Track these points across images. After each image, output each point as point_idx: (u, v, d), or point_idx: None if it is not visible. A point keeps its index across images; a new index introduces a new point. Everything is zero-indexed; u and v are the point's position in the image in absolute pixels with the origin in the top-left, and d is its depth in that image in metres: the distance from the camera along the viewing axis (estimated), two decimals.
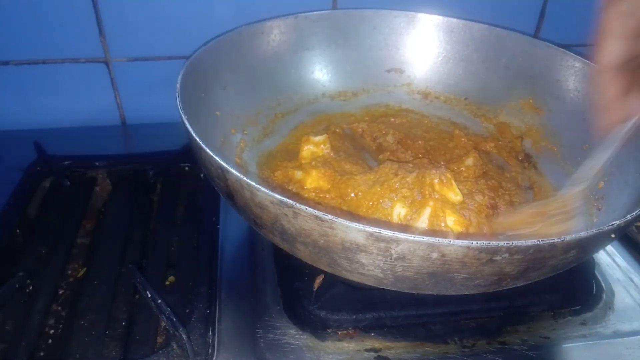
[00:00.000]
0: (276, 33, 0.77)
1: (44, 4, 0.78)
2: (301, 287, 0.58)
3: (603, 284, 0.64)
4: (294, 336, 0.55)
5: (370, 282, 0.48)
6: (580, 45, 0.89)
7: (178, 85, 0.57)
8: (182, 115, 0.52)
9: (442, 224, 0.57)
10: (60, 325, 0.57)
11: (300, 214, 0.42)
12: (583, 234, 0.42)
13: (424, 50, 0.83)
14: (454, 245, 0.40)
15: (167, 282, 0.62)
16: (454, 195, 0.59)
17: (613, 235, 0.46)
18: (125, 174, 0.77)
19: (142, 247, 0.66)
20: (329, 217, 0.41)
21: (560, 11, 0.92)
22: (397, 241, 0.40)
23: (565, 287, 0.60)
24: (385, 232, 0.40)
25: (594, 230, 0.43)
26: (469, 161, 0.69)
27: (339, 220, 0.40)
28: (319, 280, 0.58)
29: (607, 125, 0.48)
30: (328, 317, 0.56)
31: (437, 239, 0.39)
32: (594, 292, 0.63)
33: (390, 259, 0.42)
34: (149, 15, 0.82)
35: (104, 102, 0.90)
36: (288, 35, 0.78)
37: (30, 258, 0.63)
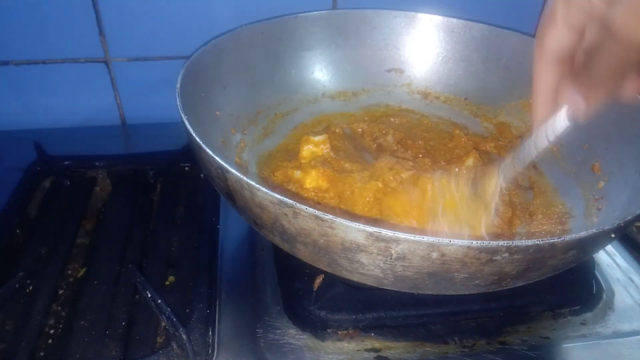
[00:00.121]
0: (276, 33, 0.77)
1: (44, 4, 0.78)
2: (301, 287, 0.58)
3: (603, 284, 0.64)
4: (294, 336, 0.55)
5: (370, 282, 0.48)
6: None
7: (178, 85, 0.57)
8: (182, 115, 0.52)
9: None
10: (60, 325, 0.57)
11: (300, 214, 0.42)
12: (583, 234, 0.42)
13: (424, 50, 0.83)
14: (454, 245, 0.40)
15: (167, 282, 0.62)
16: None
17: (613, 235, 0.46)
18: (125, 174, 0.77)
19: (142, 247, 0.66)
20: (329, 216, 0.41)
21: None
22: (397, 241, 0.40)
23: (565, 287, 0.60)
24: (385, 232, 0.40)
25: (594, 230, 0.43)
26: (469, 162, 0.69)
27: (339, 220, 0.40)
28: (319, 280, 0.58)
29: (539, 116, 0.47)
30: (328, 317, 0.56)
31: (437, 238, 0.39)
32: (594, 292, 0.63)
33: (390, 258, 0.42)
34: (149, 15, 0.82)
35: (104, 102, 0.90)
36: (288, 35, 0.78)
37: (30, 258, 0.63)
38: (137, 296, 0.59)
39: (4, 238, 0.64)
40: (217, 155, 0.47)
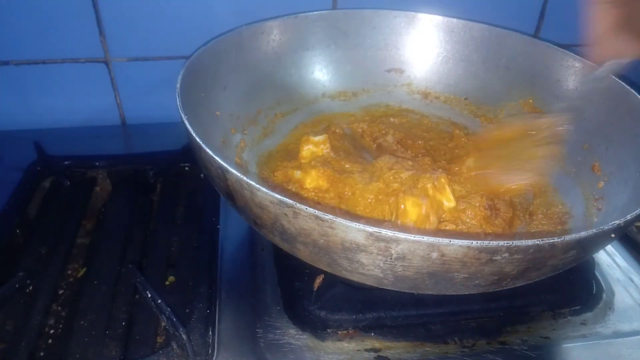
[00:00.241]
0: (276, 33, 0.77)
1: (44, 4, 0.78)
2: (301, 287, 0.58)
3: (603, 284, 0.64)
4: (294, 336, 0.55)
5: (370, 282, 0.48)
6: (580, 45, 0.89)
7: (178, 85, 0.57)
8: (182, 115, 0.52)
9: (402, 206, 0.57)
10: (60, 325, 0.57)
11: (300, 214, 0.42)
12: (583, 234, 0.42)
13: (424, 50, 0.83)
14: (454, 245, 0.40)
15: (167, 282, 0.62)
16: (447, 201, 0.59)
17: (613, 235, 0.46)
18: (125, 174, 0.77)
19: (142, 247, 0.66)
20: (329, 217, 0.41)
21: (560, 11, 0.92)
22: (397, 241, 0.40)
23: (565, 287, 0.60)
24: (385, 232, 0.40)
25: (594, 230, 0.43)
26: (469, 162, 0.69)
27: (339, 220, 0.40)
28: (319, 280, 0.58)
29: (597, 58, 0.50)
30: (328, 317, 0.56)
31: (437, 238, 0.39)
32: (594, 292, 0.63)
33: (390, 258, 0.42)
34: (149, 15, 0.82)
35: (104, 102, 0.90)
36: (288, 35, 0.78)
37: (30, 258, 0.63)
38: (137, 296, 0.59)
39: (4, 238, 0.64)
40: (217, 155, 0.47)
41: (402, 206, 0.57)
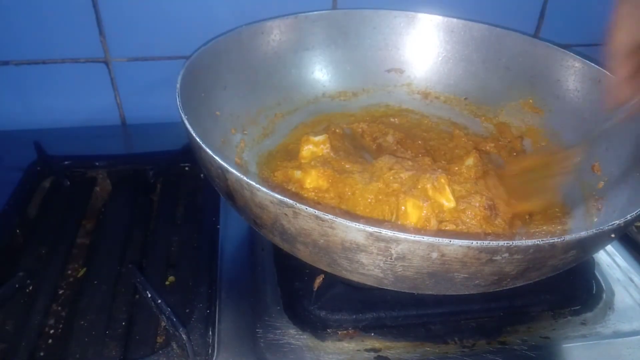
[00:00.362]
0: (276, 33, 0.77)
1: (44, 4, 0.78)
2: (301, 287, 0.58)
3: (603, 284, 0.64)
4: (294, 336, 0.55)
5: (370, 282, 0.48)
6: (580, 45, 0.89)
7: (178, 85, 0.57)
8: (182, 115, 0.52)
9: (403, 207, 0.57)
10: (60, 325, 0.57)
11: (300, 214, 0.42)
12: (583, 234, 0.42)
13: (424, 50, 0.83)
14: (454, 245, 0.40)
15: (167, 282, 0.62)
16: (447, 201, 0.59)
17: (613, 235, 0.46)
18: (125, 174, 0.77)
19: (142, 247, 0.66)
20: (329, 217, 0.41)
21: (560, 11, 0.92)
22: (397, 241, 0.40)
23: (565, 287, 0.60)
24: (385, 232, 0.40)
25: (594, 230, 0.43)
26: (469, 161, 0.69)
27: (339, 220, 0.40)
28: (319, 280, 0.57)
29: (615, 103, 0.54)
30: (328, 317, 0.56)
31: (437, 238, 0.39)
32: (594, 292, 0.63)
33: (390, 258, 0.42)
34: (149, 15, 0.82)
35: (104, 102, 0.90)
36: (288, 35, 0.78)
37: (30, 258, 0.63)
38: (137, 296, 0.59)
39: (4, 238, 0.64)
40: (217, 155, 0.47)
41: (403, 208, 0.57)
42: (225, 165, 0.46)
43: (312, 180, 0.63)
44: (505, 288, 0.47)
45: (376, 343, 0.55)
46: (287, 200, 0.42)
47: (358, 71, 0.84)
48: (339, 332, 0.56)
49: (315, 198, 0.62)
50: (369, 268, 0.44)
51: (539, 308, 0.60)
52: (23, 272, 0.59)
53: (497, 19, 0.82)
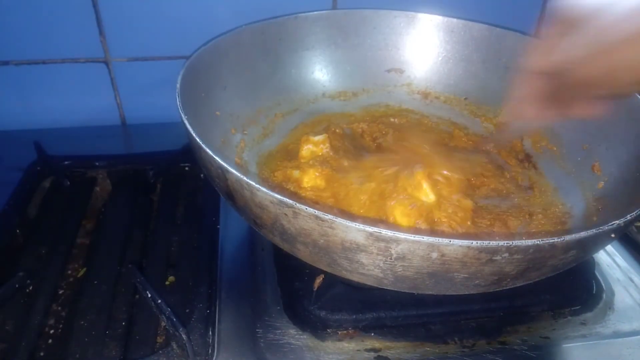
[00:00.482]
0: (276, 33, 0.77)
1: (44, 4, 0.78)
2: (301, 287, 0.58)
3: (603, 284, 0.64)
4: (294, 336, 0.55)
5: (370, 282, 0.48)
6: None
7: (178, 85, 0.57)
8: (182, 115, 0.52)
9: (392, 219, 0.57)
10: (60, 325, 0.57)
11: (300, 214, 0.42)
12: (583, 234, 0.42)
13: (424, 50, 0.83)
14: (454, 245, 0.40)
15: (167, 282, 0.62)
16: (425, 196, 0.59)
17: (613, 235, 0.46)
18: (125, 174, 0.77)
19: (142, 247, 0.66)
20: (329, 217, 0.41)
21: None
22: (397, 241, 0.40)
23: (565, 287, 0.60)
24: (385, 232, 0.40)
25: (594, 230, 0.43)
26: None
27: (339, 220, 0.40)
28: (319, 280, 0.58)
29: (508, 118, 0.58)
30: (328, 317, 0.56)
31: (437, 238, 0.39)
32: (594, 292, 0.63)
33: (390, 258, 0.42)
34: (149, 15, 0.82)
35: (104, 102, 0.90)
36: (288, 35, 0.78)
37: (30, 258, 0.63)
38: (137, 296, 0.59)
39: (4, 238, 0.64)
40: (217, 155, 0.47)
41: (392, 217, 0.58)
42: (225, 165, 0.46)
43: (310, 180, 0.63)
44: (505, 288, 0.47)
45: (376, 343, 0.55)
46: (287, 200, 0.42)
47: (358, 71, 0.84)
48: (339, 332, 0.56)
49: (313, 197, 0.62)
50: (369, 268, 0.44)
51: (539, 308, 0.60)
52: (23, 272, 0.59)
53: (497, 19, 0.82)
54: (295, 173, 0.65)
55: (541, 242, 0.40)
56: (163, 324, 0.55)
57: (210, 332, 0.54)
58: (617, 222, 0.44)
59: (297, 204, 0.41)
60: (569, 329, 0.58)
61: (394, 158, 0.66)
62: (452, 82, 0.84)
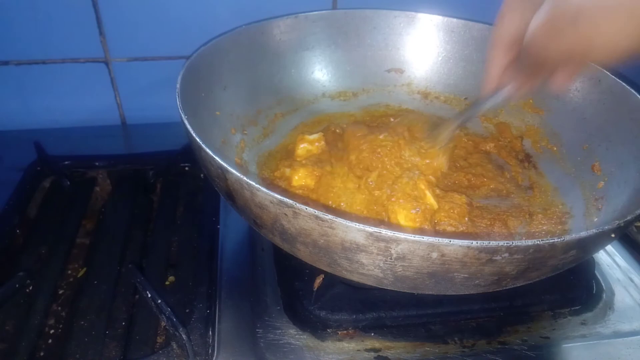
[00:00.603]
0: (276, 33, 0.77)
1: (44, 4, 0.78)
2: (301, 287, 0.58)
3: (603, 284, 0.64)
4: (294, 336, 0.55)
5: (370, 282, 0.48)
6: None
7: (178, 85, 0.57)
8: (182, 115, 0.52)
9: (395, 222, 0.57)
10: (60, 325, 0.57)
11: (300, 214, 0.42)
12: (583, 234, 0.42)
13: (424, 50, 0.83)
14: (454, 245, 0.40)
15: (167, 282, 0.62)
16: (429, 205, 0.59)
17: (613, 235, 0.46)
18: (125, 174, 0.77)
19: (142, 247, 0.66)
20: (329, 217, 0.41)
21: None
22: (397, 241, 0.40)
23: (565, 287, 0.60)
24: (385, 232, 0.40)
25: (594, 230, 0.43)
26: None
27: (339, 220, 0.40)
28: (319, 280, 0.58)
29: (489, 89, 0.57)
30: (328, 317, 0.56)
31: (437, 238, 0.39)
32: (594, 292, 0.63)
33: (390, 258, 0.42)
34: (149, 15, 0.82)
35: (104, 102, 0.90)
36: (288, 35, 0.78)
37: (30, 258, 0.63)
38: (137, 296, 0.59)
39: (4, 238, 0.64)
40: (217, 155, 0.47)
41: (396, 222, 0.57)
42: (225, 165, 0.46)
43: (300, 178, 0.63)
44: (505, 288, 0.47)
45: (376, 343, 0.55)
46: (287, 200, 0.42)
47: (358, 71, 0.84)
48: (339, 332, 0.56)
49: (302, 196, 0.62)
50: (369, 268, 0.44)
51: (539, 308, 0.60)
52: (23, 272, 0.59)
53: None
54: (287, 171, 0.65)
55: (541, 242, 0.40)
56: (163, 324, 0.55)
57: (210, 332, 0.54)
58: (617, 222, 0.44)
59: (297, 204, 0.41)
60: (569, 329, 0.58)
61: (392, 161, 0.66)
62: (452, 82, 0.84)
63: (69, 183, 0.74)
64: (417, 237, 0.40)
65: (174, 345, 0.52)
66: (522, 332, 0.58)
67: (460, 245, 0.40)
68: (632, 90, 0.63)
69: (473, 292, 0.47)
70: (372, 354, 0.54)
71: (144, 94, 0.90)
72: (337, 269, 0.47)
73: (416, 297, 0.56)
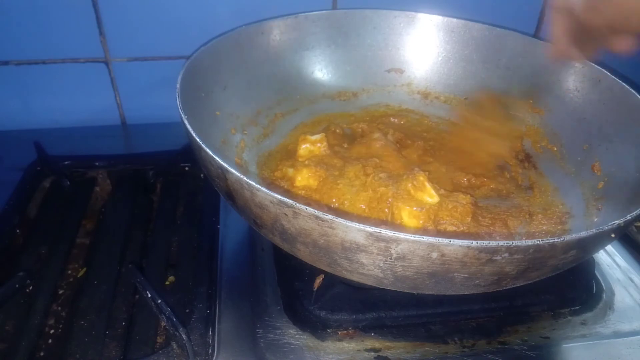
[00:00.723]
0: (276, 33, 0.77)
1: (44, 4, 0.78)
2: (301, 287, 0.58)
3: (603, 284, 0.64)
4: (294, 336, 0.55)
5: (370, 282, 0.48)
6: None
7: (178, 85, 0.57)
8: (182, 115, 0.52)
9: (399, 221, 0.57)
10: (60, 325, 0.57)
11: (300, 214, 0.42)
12: (583, 234, 0.42)
13: (424, 50, 0.83)
14: (454, 245, 0.40)
15: (167, 282, 0.62)
16: (430, 197, 0.59)
17: (613, 235, 0.46)
18: (125, 174, 0.77)
19: (142, 247, 0.66)
20: (329, 217, 0.41)
21: None
22: (397, 241, 0.40)
23: (565, 287, 0.60)
24: (385, 232, 0.40)
25: (594, 230, 0.43)
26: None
27: (339, 220, 0.40)
28: (319, 280, 0.58)
29: (552, 56, 0.61)
30: (328, 317, 0.56)
31: (437, 238, 0.39)
32: (594, 292, 0.63)
33: (390, 258, 0.42)
34: (149, 15, 0.82)
35: (104, 102, 0.90)
36: (288, 35, 0.78)
37: (30, 258, 0.63)
38: (137, 296, 0.59)
39: (4, 238, 0.64)
40: (217, 155, 0.47)
41: (399, 220, 0.58)
42: (225, 165, 0.46)
43: (303, 179, 0.63)
44: (505, 288, 0.47)
45: (376, 343, 0.55)
46: (287, 200, 0.42)
47: (358, 71, 0.84)
48: (339, 332, 0.56)
49: (305, 196, 0.62)
50: (369, 268, 0.44)
51: (539, 308, 0.60)
52: (23, 272, 0.59)
53: (497, 19, 0.82)
54: (290, 171, 0.65)
55: (541, 242, 0.40)
56: (163, 324, 0.55)
57: (210, 332, 0.54)
58: (617, 222, 0.44)
59: (297, 204, 0.41)
60: (569, 329, 0.58)
61: (392, 160, 0.66)
62: (452, 82, 0.84)
63: (69, 183, 0.74)
64: (417, 237, 0.40)
65: (174, 345, 0.52)
66: (522, 332, 0.58)
67: (460, 245, 0.40)
68: (632, 90, 0.63)
69: (473, 292, 0.47)
70: (372, 354, 0.54)
71: (144, 94, 0.90)
72: (337, 269, 0.47)
73: (416, 297, 0.56)
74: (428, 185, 0.60)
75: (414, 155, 0.71)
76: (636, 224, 0.71)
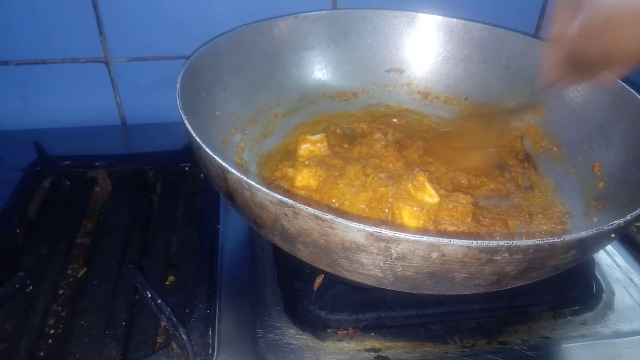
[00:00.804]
0: (276, 33, 0.77)
1: (44, 4, 0.78)
2: (301, 287, 0.58)
3: (603, 284, 0.64)
4: (294, 336, 0.55)
5: (370, 282, 0.48)
6: None
7: (178, 85, 0.57)
8: (182, 115, 0.52)
9: (399, 222, 0.58)
10: (60, 325, 0.57)
11: (300, 214, 0.42)
12: (583, 234, 0.42)
13: (424, 50, 0.83)
14: (454, 245, 0.40)
15: (167, 282, 0.62)
16: (430, 197, 0.59)
17: (613, 235, 0.46)
18: (125, 174, 0.77)
19: (142, 247, 0.66)
20: (329, 216, 0.41)
21: None
22: (397, 241, 0.40)
23: (565, 287, 0.60)
24: (385, 232, 0.40)
25: (594, 230, 0.43)
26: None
27: (339, 220, 0.40)
28: (319, 280, 0.58)
29: (544, 83, 0.60)
30: (328, 317, 0.56)
31: (437, 238, 0.39)
32: (594, 292, 0.63)
33: (390, 258, 0.42)
34: (149, 15, 0.82)
35: (104, 102, 0.90)
36: (288, 35, 0.78)
37: (30, 258, 0.63)
38: (137, 296, 0.59)
39: (4, 238, 0.64)
40: (217, 155, 0.47)
41: (400, 220, 0.58)
42: (225, 165, 0.46)
43: (303, 179, 0.63)
44: (505, 288, 0.47)
45: (376, 343, 0.55)
46: (287, 200, 0.42)
47: (358, 71, 0.84)
48: (339, 332, 0.56)
49: (305, 196, 0.62)
50: (369, 268, 0.44)
51: (539, 308, 0.60)
52: (23, 272, 0.59)
53: (497, 19, 0.82)
54: (290, 171, 0.65)
55: (541, 242, 0.40)
56: (163, 324, 0.55)
57: (210, 332, 0.54)
58: (617, 222, 0.44)
59: (297, 204, 0.41)
60: (569, 329, 0.58)
61: (392, 160, 0.66)
62: (452, 82, 0.84)
63: (69, 183, 0.74)
64: (417, 237, 0.40)
65: (174, 345, 0.52)
66: (522, 332, 0.58)
67: (460, 245, 0.40)
68: (632, 90, 0.63)
69: (473, 292, 0.47)
70: (372, 354, 0.54)
71: (144, 94, 0.90)
72: (337, 269, 0.47)
73: (416, 297, 0.56)
74: (428, 186, 0.60)
75: (414, 155, 0.71)
76: (636, 224, 0.71)
